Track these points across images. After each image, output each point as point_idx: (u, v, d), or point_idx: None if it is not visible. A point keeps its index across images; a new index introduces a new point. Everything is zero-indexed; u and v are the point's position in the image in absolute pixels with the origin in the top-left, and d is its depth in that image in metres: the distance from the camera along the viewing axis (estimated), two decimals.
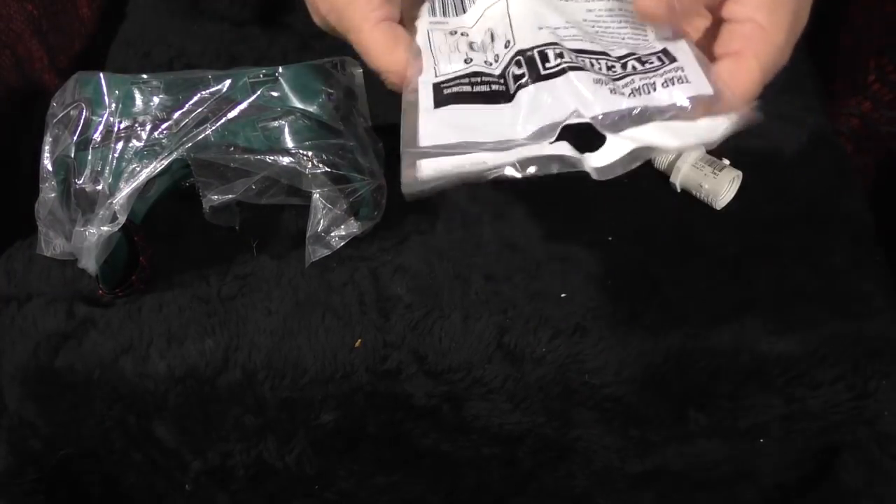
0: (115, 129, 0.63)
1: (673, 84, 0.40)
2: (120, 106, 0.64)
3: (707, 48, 0.43)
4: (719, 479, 0.66)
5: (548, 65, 0.41)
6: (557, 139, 0.39)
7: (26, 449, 0.66)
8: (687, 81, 0.40)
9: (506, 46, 0.43)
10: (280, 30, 0.82)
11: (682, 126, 0.39)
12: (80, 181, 0.63)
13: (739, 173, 0.66)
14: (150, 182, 0.63)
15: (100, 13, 0.89)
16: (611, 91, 0.40)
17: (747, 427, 0.61)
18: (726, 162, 0.66)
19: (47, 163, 0.65)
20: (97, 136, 0.63)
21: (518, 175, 0.39)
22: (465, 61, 0.44)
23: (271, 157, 0.62)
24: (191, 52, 0.80)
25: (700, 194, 0.66)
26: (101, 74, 0.65)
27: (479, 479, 0.67)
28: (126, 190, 0.62)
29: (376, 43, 0.44)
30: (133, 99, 0.64)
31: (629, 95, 0.40)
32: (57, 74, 0.69)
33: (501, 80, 0.42)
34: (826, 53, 0.87)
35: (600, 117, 0.39)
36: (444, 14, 0.47)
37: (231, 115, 0.62)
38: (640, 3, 0.41)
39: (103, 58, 0.83)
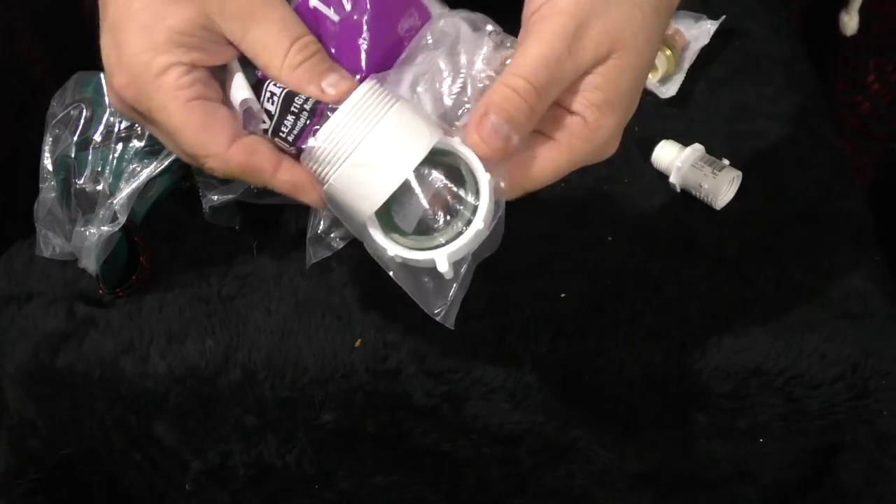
0: (116, 128, 0.63)
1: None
2: None
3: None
4: (719, 479, 0.66)
5: None
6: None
7: (26, 449, 0.66)
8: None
9: None
10: None
11: None
12: (81, 181, 0.63)
13: (739, 173, 0.66)
14: (150, 182, 0.63)
15: (92, 14, 0.89)
16: None
17: (747, 427, 0.61)
18: (726, 162, 0.66)
19: (47, 163, 0.65)
20: (97, 136, 0.63)
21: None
22: None
23: None
24: None
25: (700, 194, 0.66)
26: (101, 74, 0.65)
27: (479, 479, 0.67)
28: (126, 190, 0.62)
29: (186, 123, 0.38)
30: None
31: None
32: (57, 74, 0.69)
33: None
34: (826, 53, 0.87)
35: None
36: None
37: None
38: (474, 148, 0.38)
39: None
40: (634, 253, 0.64)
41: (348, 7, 0.42)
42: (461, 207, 0.39)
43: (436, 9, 0.44)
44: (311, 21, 0.42)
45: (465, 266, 0.40)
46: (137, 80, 0.39)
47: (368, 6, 0.41)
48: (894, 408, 0.59)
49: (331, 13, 0.42)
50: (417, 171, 0.38)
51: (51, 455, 0.66)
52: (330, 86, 0.39)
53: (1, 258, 0.68)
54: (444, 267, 0.38)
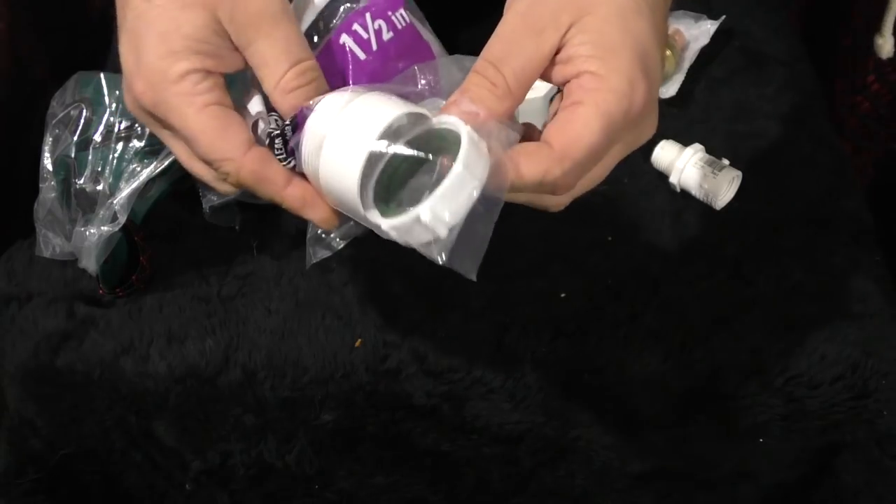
0: (116, 129, 0.63)
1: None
2: (120, 106, 0.64)
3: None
4: (719, 479, 0.66)
5: None
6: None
7: (26, 449, 0.66)
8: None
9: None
10: None
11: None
12: (81, 181, 0.63)
13: (739, 173, 0.66)
14: (150, 182, 0.63)
15: (100, 13, 0.89)
16: None
17: (747, 427, 0.61)
18: (726, 162, 0.66)
19: (47, 163, 0.65)
20: (97, 136, 0.63)
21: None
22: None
23: None
24: None
25: (700, 194, 0.66)
26: (102, 74, 0.65)
27: (479, 479, 0.67)
28: (126, 190, 0.62)
29: (204, 128, 0.39)
30: None
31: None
32: (57, 74, 0.69)
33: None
34: (826, 53, 0.87)
35: None
36: None
37: None
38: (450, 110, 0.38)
39: (103, 58, 0.83)
40: (634, 253, 0.64)
41: (375, 49, 0.46)
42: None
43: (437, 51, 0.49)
44: (341, 55, 0.46)
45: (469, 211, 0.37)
46: (155, 87, 0.39)
47: (392, 52, 0.47)
48: (894, 408, 0.59)
49: (359, 51, 0.46)
50: (397, 146, 0.37)
51: (51, 455, 0.66)
52: None
53: (1, 258, 0.68)
54: (426, 216, 0.36)
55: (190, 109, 0.39)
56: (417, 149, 0.37)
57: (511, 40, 0.38)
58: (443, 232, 0.36)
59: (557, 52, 0.39)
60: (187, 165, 0.43)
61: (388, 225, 0.37)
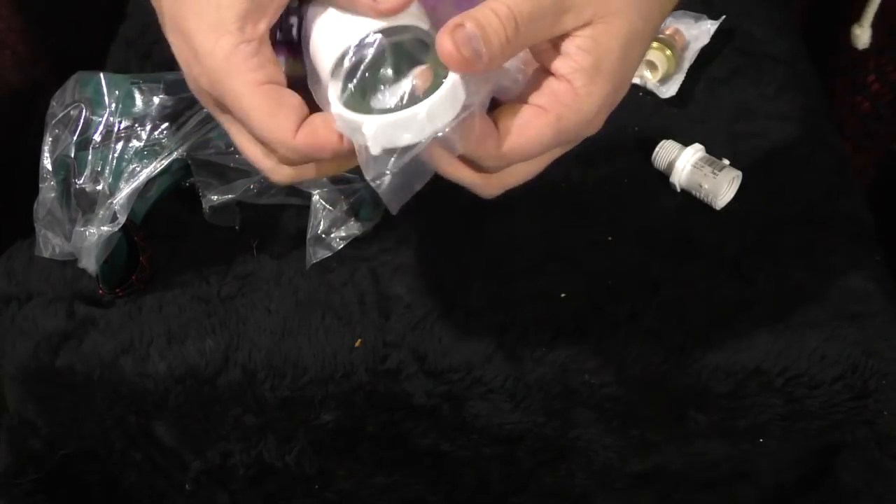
0: (115, 129, 0.63)
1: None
2: (120, 106, 0.64)
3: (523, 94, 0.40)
4: (719, 479, 0.66)
5: None
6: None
7: (26, 449, 0.66)
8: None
9: None
10: None
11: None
12: (80, 181, 0.63)
13: (739, 173, 0.66)
14: (150, 182, 0.63)
15: (100, 13, 0.89)
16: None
17: (747, 427, 0.61)
18: (726, 162, 0.66)
19: (47, 163, 0.65)
20: (97, 136, 0.63)
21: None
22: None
23: None
24: None
25: (700, 194, 0.66)
26: (101, 74, 0.65)
27: (479, 479, 0.67)
28: (126, 190, 0.62)
29: (256, 107, 0.38)
30: (133, 99, 0.64)
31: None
32: (57, 74, 0.69)
33: None
34: (826, 53, 0.87)
35: None
36: None
37: None
38: (441, 49, 0.36)
39: (103, 58, 0.83)
40: (634, 253, 0.64)
41: None
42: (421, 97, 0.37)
43: None
44: None
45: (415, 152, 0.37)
46: (208, 68, 0.39)
47: None
48: (894, 408, 0.59)
49: None
50: (382, 46, 0.37)
51: (51, 455, 0.66)
52: None
53: (1, 258, 0.68)
54: (369, 130, 0.35)
55: (244, 89, 0.38)
56: (401, 56, 0.36)
57: (539, 5, 0.37)
58: (375, 146, 0.36)
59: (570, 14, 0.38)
60: (246, 153, 0.43)
61: (339, 112, 0.36)
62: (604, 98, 0.38)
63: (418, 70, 0.37)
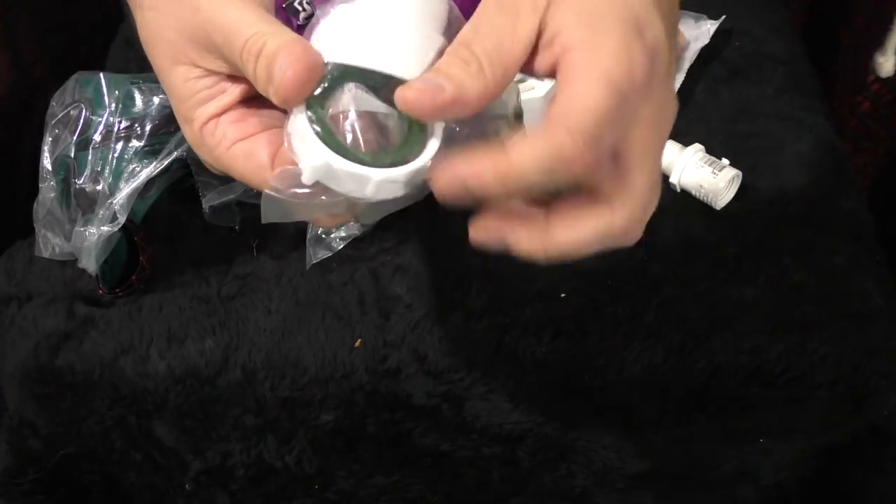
0: (115, 129, 0.63)
1: None
2: (120, 106, 0.64)
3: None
4: (719, 479, 0.66)
5: None
6: None
7: (26, 449, 0.66)
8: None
9: None
10: None
11: None
12: (80, 181, 0.63)
13: (739, 173, 0.66)
14: (150, 182, 0.63)
15: (100, 13, 0.89)
16: None
17: (747, 427, 0.61)
18: (726, 162, 0.66)
19: (47, 163, 0.65)
20: (97, 136, 0.63)
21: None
22: None
23: None
24: None
25: (700, 194, 0.66)
26: (101, 74, 0.65)
27: (479, 479, 0.67)
28: (126, 190, 0.62)
29: (230, 167, 0.40)
30: (133, 99, 0.64)
31: None
32: (57, 74, 0.69)
33: None
34: (826, 53, 0.87)
35: None
36: None
37: None
38: (400, 95, 0.35)
39: (103, 58, 0.83)
40: (634, 253, 0.64)
41: None
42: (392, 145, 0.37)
43: None
44: None
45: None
46: (185, 129, 0.41)
47: None
48: (894, 408, 0.59)
49: None
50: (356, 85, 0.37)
51: (51, 455, 0.66)
52: None
53: (1, 258, 0.68)
54: (308, 179, 0.36)
55: (218, 151, 0.40)
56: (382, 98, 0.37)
57: (483, 22, 0.36)
58: (309, 179, 0.36)
59: (540, 36, 0.36)
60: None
61: (293, 128, 0.37)
62: (623, 34, 0.34)
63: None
